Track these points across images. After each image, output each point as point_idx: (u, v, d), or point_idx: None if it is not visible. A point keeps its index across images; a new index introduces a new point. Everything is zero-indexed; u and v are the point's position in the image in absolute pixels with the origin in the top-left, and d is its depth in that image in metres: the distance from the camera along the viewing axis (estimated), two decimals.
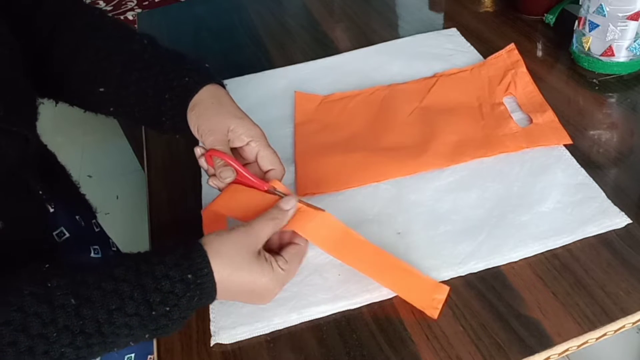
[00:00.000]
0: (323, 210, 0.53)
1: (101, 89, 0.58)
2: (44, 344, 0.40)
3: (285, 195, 0.53)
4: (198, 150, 0.56)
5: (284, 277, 0.49)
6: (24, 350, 0.39)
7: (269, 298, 0.50)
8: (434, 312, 0.51)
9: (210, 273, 0.45)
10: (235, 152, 0.56)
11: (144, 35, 0.60)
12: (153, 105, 0.58)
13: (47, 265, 0.44)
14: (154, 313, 0.44)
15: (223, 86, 0.58)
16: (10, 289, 0.41)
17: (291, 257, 0.50)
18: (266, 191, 0.54)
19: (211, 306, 0.54)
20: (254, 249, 0.48)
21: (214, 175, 0.55)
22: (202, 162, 0.56)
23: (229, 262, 0.46)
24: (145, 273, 0.44)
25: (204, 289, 0.45)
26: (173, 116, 0.57)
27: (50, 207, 0.60)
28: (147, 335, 0.45)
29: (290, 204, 0.52)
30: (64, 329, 0.41)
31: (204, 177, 0.69)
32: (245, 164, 0.56)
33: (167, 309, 0.44)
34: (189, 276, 0.45)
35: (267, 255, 0.49)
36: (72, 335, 0.41)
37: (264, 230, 0.49)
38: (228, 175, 0.53)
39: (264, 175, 0.56)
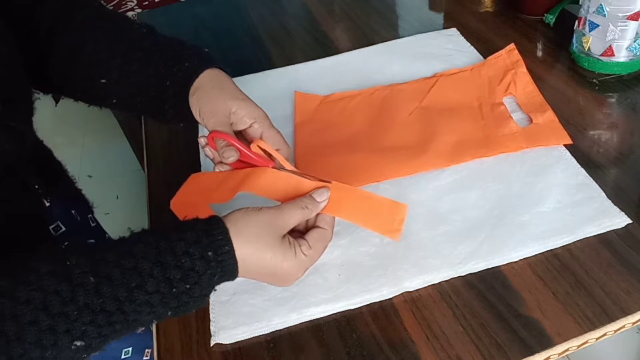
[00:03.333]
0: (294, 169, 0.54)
1: (103, 80, 0.58)
2: (65, 323, 0.40)
3: (287, 169, 0.53)
4: (202, 140, 0.55)
5: (306, 262, 0.49)
6: (45, 329, 0.39)
7: (291, 282, 0.50)
8: (396, 235, 0.51)
9: (231, 251, 0.45)
10: (239, 135, 0.56)
11: (143, 24, 0.60)
12: (155, 93, 0.57)
13: (65, 243, 0.43)
14: (174, 290, 0.43)
15: (224, 71, 0.58)
16: (29, 268, 0.41)
17: (315, 242, 0.49)
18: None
19: (211, 306, 0.54)
20: (280, 233, 0.48)
21: (220, 162, 0.54)
22: (207, 150, 0.55)
23: (252, 242, 0.46)
24: (164, 250, 0.43)
25: (225, 266, 0.45)
26: (175, 103, 0.57)
27: (45, 202, 0.60)
28: (169, 313, 0.45)
29: (324, 196, 0.51)
30: (84, 307, 0.40)
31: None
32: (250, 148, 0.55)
33: (188, 286, 0.44)
34: (210, 253, 0.44)
35: (292, 239, 0.48)
36: (92, 313, 0.41)
37: (293, 217, 0.49)
38: (231, 155, 0.52)
39: (269, 157, 0.55)
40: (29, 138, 0.52)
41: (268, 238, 0.47)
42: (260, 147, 0.54)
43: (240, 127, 0.55)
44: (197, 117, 0.55)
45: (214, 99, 0.54)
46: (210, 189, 0.56)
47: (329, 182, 0.53)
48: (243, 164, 0.54)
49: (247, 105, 0.55)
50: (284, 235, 0.48)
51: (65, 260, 0.42)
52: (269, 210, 0.48)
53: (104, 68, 0.58)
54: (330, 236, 0.51)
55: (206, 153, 0.56)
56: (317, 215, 0.51)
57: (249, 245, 0.46)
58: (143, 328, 0.45)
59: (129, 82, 0.58)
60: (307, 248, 0.49)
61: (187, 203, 0.57)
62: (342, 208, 0.52)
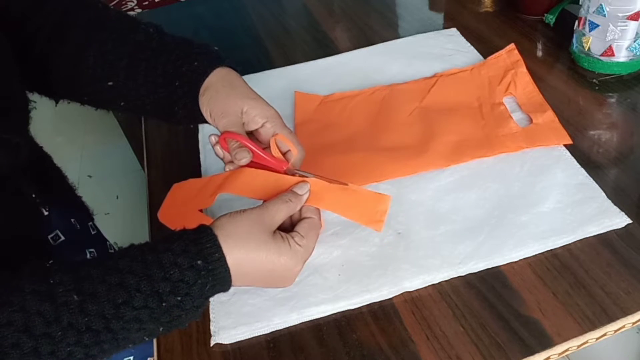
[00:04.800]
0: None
1: (110, 83, 0.57)
2: (49, 344, 0.38)
3: (302, 174, 0.53)
4: (212, 139, 0.54)
5: (303, 254, 0.48)
6: (29, 352, 0.38)
7: (291, 278, 0.48)
8: (379, 226, 0.51)
9: (222, 258, 0.44)
10: (251, 136, 0.55)
11: (150, 24, 0.59)
12: (164, 95, 0.56)
13: (50, 261, 0.42)
14: (164, 304, 0.42)
15: (235, 69, 0.57)
16: (11, 288, 0.40)
17: (307, 232, 0.48)
18: (285, 171, 0.54)
19: (211, 306, 0.54)
20: (269, 230, 0.47)
21: (230, 162, 0.54)
22: (218, 149, 0.54)
23: (242, 243, 0.45)
24: (151, 262, 0.42)
25: (217, 274, 0.43)
26: (185, 104, 0.56)
27: (44, 211, 0.59)
28: (161, 329, 0.43)
29: (304, 189, 0.51)
30: (68, 327, 0.39)
31: (204, 177, 0.69)
32: (263, 149, 0.54)
33: (179, 298, 0.42)
34: (199, 262, 0.43)
35: (283, 233, 0.47)
36: (78, 333, 0.39)
37: (279, 212, 0.48)
38: (244, 156, 0.52)
39: (282, 158, 0.55)
40: (23, 150, 0.50)
41: (259, 236, 0.45)
42: (275, 144, 0.54)
43: (252, 127, 0.54)
44: (207, 118, 0.54)
45: (224, 99, 0.53)
46: (192, 196, 0.56)
47: (346, 184, 0.53)
48: (256, 165, 0.54)
49: (258, 105, 0.54)
50: (274, 231, 0.47)
51: (49, 278, 0.40)
52: (254, 209, 0.47)
53: (111, 70, 0.56)
54: (319, 224, 0.51)
55: (216, 152, 0.55)
56: (301, 207, 0.51)
57: (240, 247, 0.44)
58: (133, 346, 0.44)
59: (137, 83, 0.56)
60: (300, 238, 0.47)
61: (173, 213, 0.57)
62: (325, 200, 0.52)
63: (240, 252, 0.44)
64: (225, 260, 0.44)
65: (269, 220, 0.47)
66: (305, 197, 0.51)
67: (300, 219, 0.50)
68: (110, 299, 0.40)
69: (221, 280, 0.44)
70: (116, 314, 0.40)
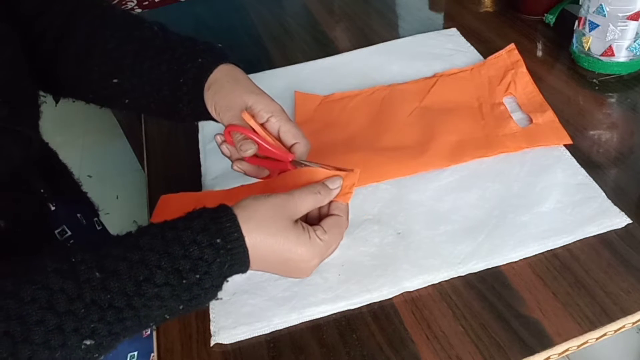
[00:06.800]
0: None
1: (115, 80, 0.57)
2: (73, 321, 0.39)
3: (308, 165, 0.53)
4: (218, 138, 0.55)
5: (322, 248, 0.47)
6: (53, 329, 0.38)
7: (306, 271, 0.48)
8: (347, 197, 0.51)
9: (240, 238, 0.44)
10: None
11: (154, 22, 0.59)
12: (168, 92, 0.56)
13: (71, 241, 0.43)
14: (184, 282, 0.42)
15: (238, 66, 0.57)
16: (34, 267, 0.40)
17: (330, 228, 0.48)
18: (290, 162, 0.53)
19: (211, 306, 0.54)
20: (291, 218, 0.46)
21: (238, 159, 0.54)
22: (224, 148, 0.55)
23: (262, 227, 0.45)
24: (172, 240, 0.42)
25: (235, 254, 0.44)
26: (190, 101, 0.56)
27: (51, 206, 0.60)
28: (181, 307, 0.43)
29: (336, 184, 0.50)
30: (91, 303, 0.39)
31: (205, 177, 0.69)
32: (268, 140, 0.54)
33: (198, 276, 0.42)
34: (218, 240, 0.43)
35: (305, 224, 0.47)
36: (101, 310, 0.40)
37: (305, 202, 0.48)
38: (249, 148, 0.52)
39: (288, 150, 0.55)
40: (34, 143, 0.51)
41: (279, 222, 0.45)
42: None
43: (258, 122, 0.54)
44: (212, 113, 0.55)
45: (229, 94, 0.54)
46: (185, 210, 0.56)
47: (352, 171, 0.52)
48: (262, 159, 0.54)
49: (263, 100, 0.54)
50: (297, 221, 0.47)
51: (71, 257, 0.41)
52: (279, 195, 0.47)
53: (116, 67, 0.57)
54: (345, 223, 0.50)
55: (223, 151, 0.55)
56: (331, 203, 0.50)
57: (260, 230, 0.44)
58: (154, 325, 0.44)
59: (142, 81, 0.57)
60: (322, 232, 0.47)
61: (181, 203, 0.57)
62: (300, 183, 0.52)
63: (260, 235, 0.45)
64: (244, 241, 0.44)
65: (293, 208, 0.47)
66: (335, 191, 0.50)
67: (328, 215, 0.50)
68: (132, 276, 0.41)
69: (239, 260, 0.44)
70: (138, 291, 0.41)
